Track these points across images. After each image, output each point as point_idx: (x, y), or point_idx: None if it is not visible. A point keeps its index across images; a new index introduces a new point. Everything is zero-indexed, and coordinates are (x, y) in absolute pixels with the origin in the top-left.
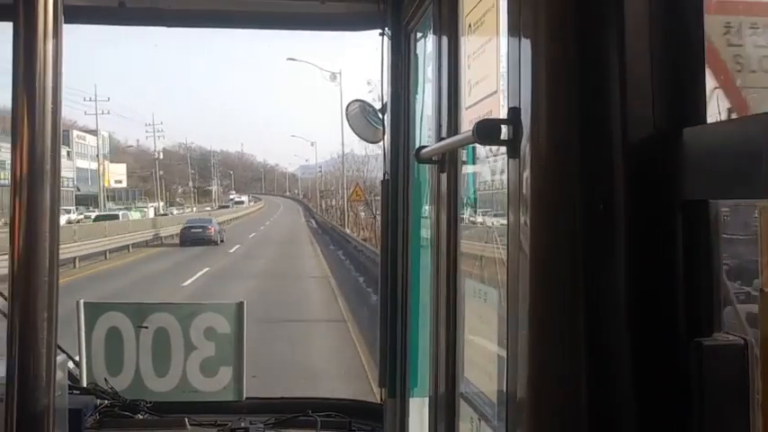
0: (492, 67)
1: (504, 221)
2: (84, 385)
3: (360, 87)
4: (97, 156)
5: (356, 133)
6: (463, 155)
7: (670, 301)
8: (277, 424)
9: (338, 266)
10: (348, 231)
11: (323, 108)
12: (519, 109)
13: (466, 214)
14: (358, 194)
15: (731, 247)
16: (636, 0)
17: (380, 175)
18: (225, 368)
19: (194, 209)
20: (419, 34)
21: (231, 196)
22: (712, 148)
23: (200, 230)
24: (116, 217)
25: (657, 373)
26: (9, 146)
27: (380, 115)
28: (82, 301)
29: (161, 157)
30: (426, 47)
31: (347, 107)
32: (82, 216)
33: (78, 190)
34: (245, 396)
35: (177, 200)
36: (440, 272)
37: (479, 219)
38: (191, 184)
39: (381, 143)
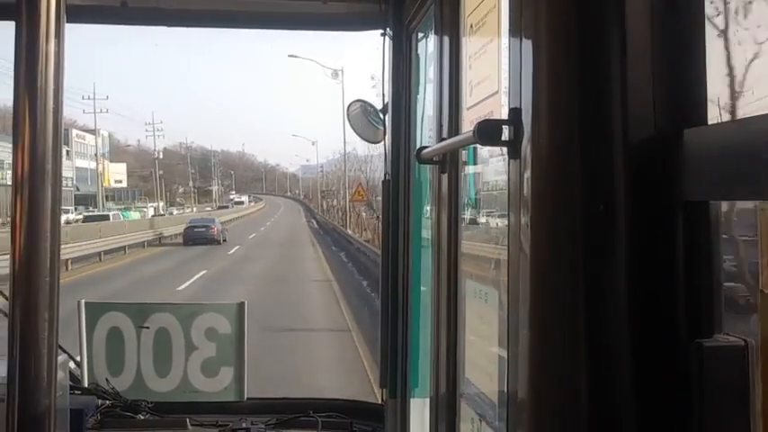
0: (493, 68)
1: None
2: (86, 385)
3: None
4: (96, 155)
5: (357, 133)
6: (464, 155)
7: (670, 302)
8: (278, 424)
9: (340, 269)
10: (350, 232)
11: (324, 107)
12: (520, 109)
13: (467, 215)
14: (360, 194)
15: (739, 248)
16: (637, 0)
17: (383, 175)
18: (226, 368)
19: (194, 209)
20: (420, 34)
21: (231, 196)
22: (713, 148)
23: (204, 230)
24: (106, 218)
25: (658, 374)
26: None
27: (381, 115)
28: (83, 301)
29: (161, 156)
30: (428, 47)
31: (348, 107)
32: (81, 216)
33: (78, 190)
34: (246, 396)
35: (177, 200)
36: (440, 272)
37: (482, 219)
38: (191, 183)
39: (382, 143)
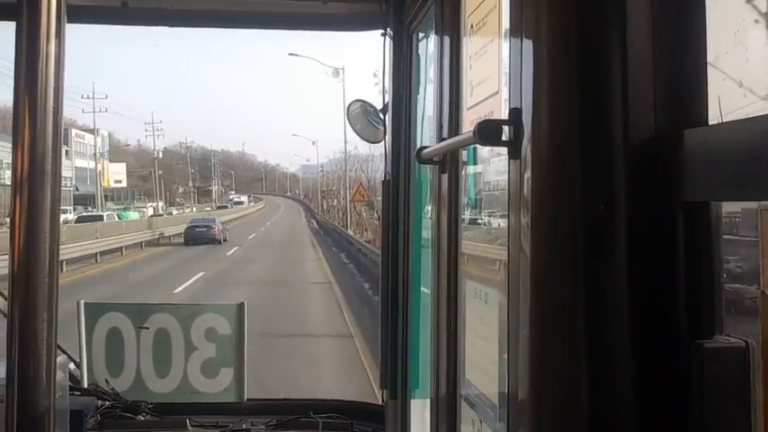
0: (493, 68)
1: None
2: (85, 386)
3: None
4: (94, 154)
5: (357, 133)
6: (464, 155)
7: (671, 303)
8: (278, 425)
9: (341, 271)
10: (351, 233)
11: (325, 106)
12: (520, 110)
13: (467, 215)
14: (361, 194)
15: (743, 249)
16: (638, 1)
17: (383, 175)
18: (226, 369)
19: (194, 209)
20: (421, 34)
21: (231, 197)
22: (713, 149)
23: (205, 230)
24: (100, 218)
25: (658, 375)
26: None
27: (381, 115)
28: (82, 301)
29: (160, 156)
30: (428, 47)
31: (348, 107)
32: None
33: (77, 189)
34: (246, 397)
35: (177, 200)
36: (440, 272)
37: (483, 219)
38: (191, 183)
39: (383, 143)
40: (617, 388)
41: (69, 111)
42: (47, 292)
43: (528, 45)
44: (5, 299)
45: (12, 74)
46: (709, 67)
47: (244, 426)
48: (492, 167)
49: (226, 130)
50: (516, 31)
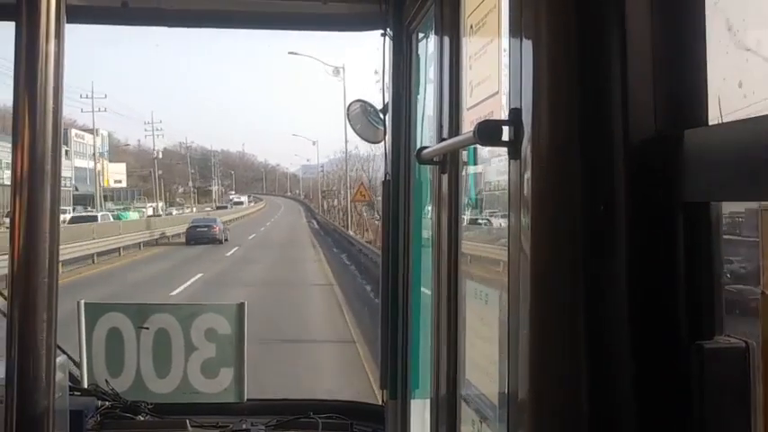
0: (493, 68)
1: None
2: (85, 386)
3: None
4: (93, 154)
5: (357, 133)
6: (464, 155)
7: (671, 304)
8: (278, 426)
9: (343, 272)
10: (351, 233)
11: (325, 106)
12: (520, 110)
13: (467, 215)
14: (362, 194)
15: (747, 249)
16: (638, 1)
17: (383, 175)
18: (226, 369)
19: (194, 209)
20: (421, 35)
21: (231, 197)
22: (714, 149)
23: (206, 229)
24: (94, 219)
25: (658, 376)
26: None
27: (381, 115)
28: (83, 301)
29: (160, 156)
30: (428, 47)
31: (348, 107)
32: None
33: (76, 189)
34: (246, 397)
35: (177, 200)
36: (440, 273)
37: (484, 219)
38: (191, 183)
39: (383, 143)
40: (617, 388)
41: (68, 110)
42: (46, 292)
43: (528, 45)
44: (5, 299)
45: (11, 74)
46: (709, 67)
47: (244, 426)
48: (492, 167)
49: (226, 129)
50: (516, 31)
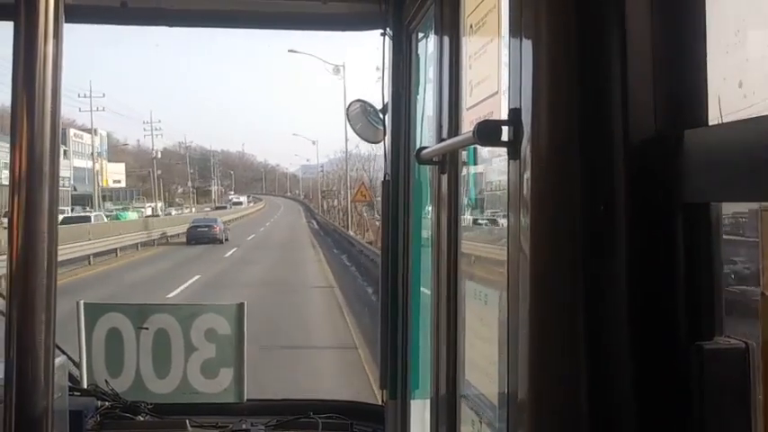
0: (493, 68)
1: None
2: (85, 387)
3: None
4: (91, 154)
5: (357, 133)
6: (464, 156)
7: (671, 304)
8: (278, 426)
9: (343, 273)
10: (352, 233)
11: (325, 106)
12: (520, 110)
13: (467, 215)
14: (363, 194)
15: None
16: (637, 1)
17: (383, 175)
18: (225, 370)
19: (193, 209)
20: (420, 34)
21: (230, 197)
22: (714, 150)
23: (206, 229)
24: (87, 219)
25: (658, 376)
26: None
27: (381, 115)
28: (82, 302)
29: (159, 156)
30: (428, 47)
31: (348, 107)
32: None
33: (75, 189)
34: (245, 398)
35: (177, 200)
36: (440, 273)
37: (484, 219)
38: (190, 184)
39: (382, 143)
40: (616, 388)
41: (67, 110)
42: (45, 292)
43: (527, 45)
44: (4, 298)
45: (9, 74)
46: (709, 67)
47: (243, 426)
48: (492, 167)
49: (225, 129)
50: (516, 31)
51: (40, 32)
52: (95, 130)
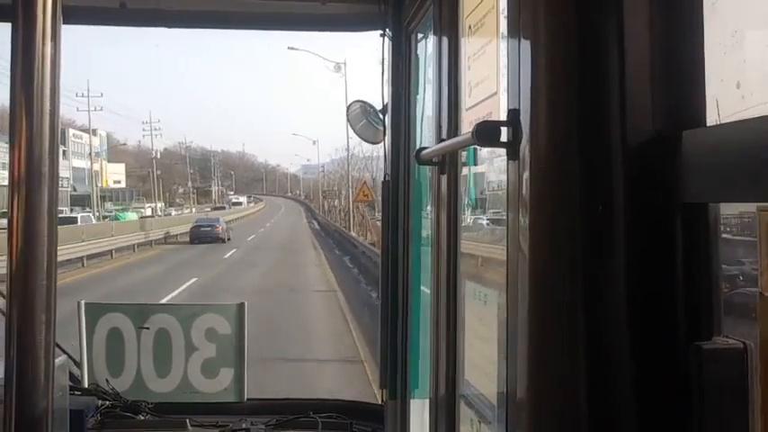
0: (492, 69)
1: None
2: (86, 386)
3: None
4: (90, 154)
5: (357, 134)
6: (464, 156)
7: (669, 304)
8: (278, 425)
9: (345, 276)
10: (353, 234)
11: (325, 105)
12: (519, 111)
13: (467, 215)
14: (365, 194)
15: (738, 250)
16: (636, 2)
17: (383, 176)
18: (226, 369)
19: (193, 210)
20: (420, 35)
21: (229, 197)
22: (712, 150)
23: (209, 229)
24: (74, 221)
25: (657, 376)
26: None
27: (381, 116)
28: (83, 301)
29: (158, 156)
30: (427, 48)
31: (348, 107)
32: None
33: (74, 190)
34: (246, 397)
35: (177, 200)
36: (440, 273)
37: (485, 219)
38: (190, 184)
39: (382, 144)
40: (615, 388)
41: (65, 110)
42: (44, 293)
43: (526, 46)
44: (4, 298)
45: (8, 74)
46: (707, 68)
47: (244, 425)
48: (492, 167)
49: (225, 130)
50: (514, 31)
51: (38, 34)
52: (95, 131)
